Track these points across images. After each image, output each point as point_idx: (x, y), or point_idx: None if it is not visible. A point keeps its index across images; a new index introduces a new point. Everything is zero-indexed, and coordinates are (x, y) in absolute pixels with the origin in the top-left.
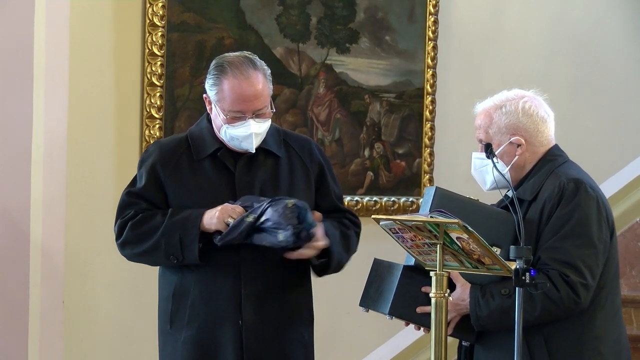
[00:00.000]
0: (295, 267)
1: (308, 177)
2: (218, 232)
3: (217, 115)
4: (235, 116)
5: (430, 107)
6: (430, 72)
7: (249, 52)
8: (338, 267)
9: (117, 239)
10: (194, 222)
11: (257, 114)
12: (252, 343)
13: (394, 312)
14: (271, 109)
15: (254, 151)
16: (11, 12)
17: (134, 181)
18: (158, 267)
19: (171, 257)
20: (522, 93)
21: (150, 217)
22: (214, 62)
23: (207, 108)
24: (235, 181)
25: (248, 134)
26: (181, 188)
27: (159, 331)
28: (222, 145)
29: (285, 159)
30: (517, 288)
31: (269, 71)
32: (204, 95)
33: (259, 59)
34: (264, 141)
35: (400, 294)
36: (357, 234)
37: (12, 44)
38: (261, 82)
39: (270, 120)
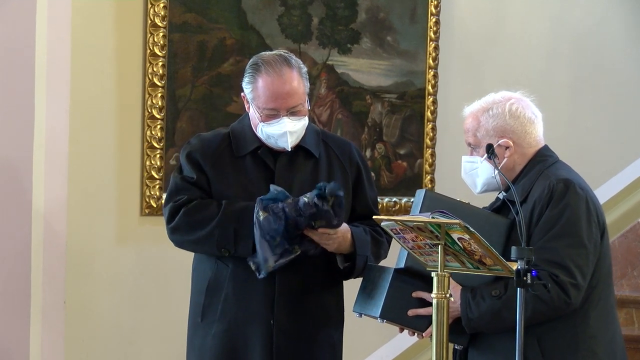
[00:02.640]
0: (328, 268)
1: (346, 180)
2: None
3: (254, 114)
4: (270, 114)
5: (432, 108)
6: (432, 72)
7: (285, 51)
8: (362, 272)
9: (167, 223)
10: (249, 214)
11: (291, 112)
12: (282, 343)
13: (385, 316)
14: (308, 107)
15: (289, 149)
16: (13, 13)
17: (181, 169)
18: (192, 259)
19: (223, 249)
20: (509, 95)
21: (205, 206)
22: (250, 61)
23: (245, 107)
24: (275, 179)
25: (282, 132)
26: (222, 182)
27: (189, 323)
28: (262, 143)
29: (324, 161)
30: (518, 289)
31: (305, 69)
32: (242, 94)
33: (295, 58)
34: (303, 141)
35: (391, 297)
36: (389, 242)
37: (14, 44)
38: (295, 79)
39: (307, 119)
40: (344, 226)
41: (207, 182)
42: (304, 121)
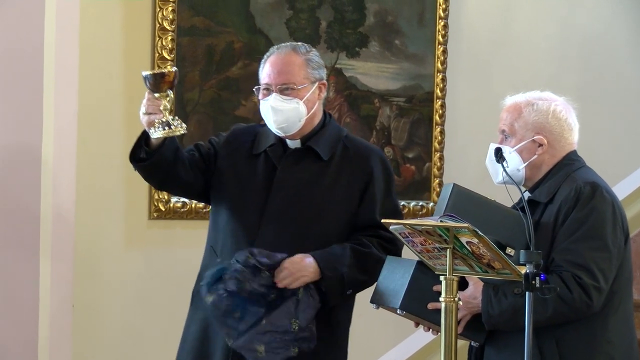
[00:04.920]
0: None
1: (352, 185)
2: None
3: None
4: (264, 89)
5: (440, 111)
6: (440, 76)
7: (304, 44)
8: (346, 289)
9: None
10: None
11: (281, 90)
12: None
13: (405, 307)
14: (307, 93)
15: (278, 131)
16: (21, 16)
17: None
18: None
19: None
20: (555, 97)
21: None
22: None
23: None
24: (275, 177)
25: (267, 107)
26: (223, 171)
27: None
28: (277, 142)
29: (336, 164)
30: (527, 292)
31: (315, 59)
32: None
33: (308, 48)
34: (315, 142)
35: (412, 289)
36: (388, 250)
37: (23, 47)
38: (295, 63)
39: (300, 104)
40: (296, 256)
41: (211, 155)
42: (294, 104)
